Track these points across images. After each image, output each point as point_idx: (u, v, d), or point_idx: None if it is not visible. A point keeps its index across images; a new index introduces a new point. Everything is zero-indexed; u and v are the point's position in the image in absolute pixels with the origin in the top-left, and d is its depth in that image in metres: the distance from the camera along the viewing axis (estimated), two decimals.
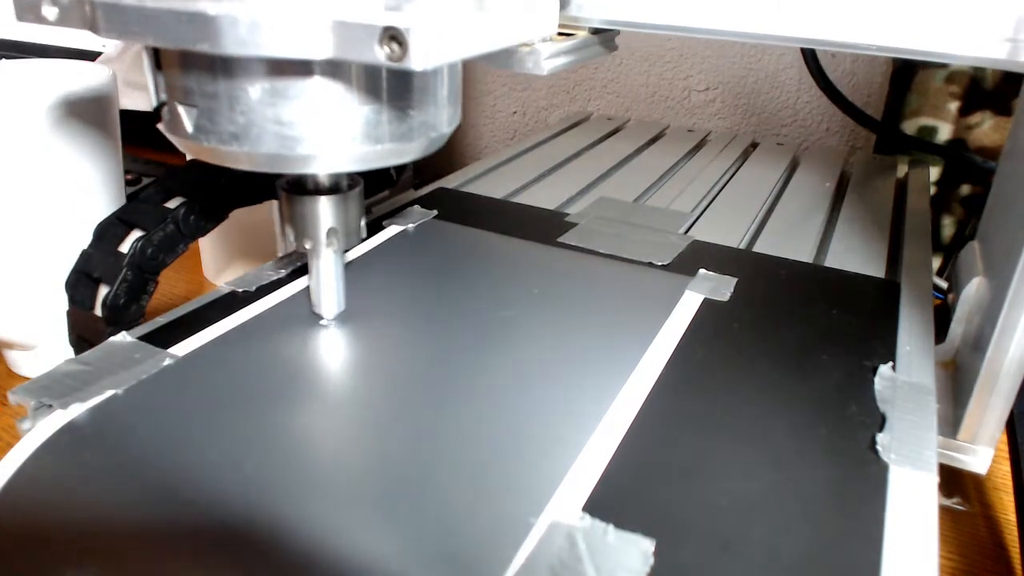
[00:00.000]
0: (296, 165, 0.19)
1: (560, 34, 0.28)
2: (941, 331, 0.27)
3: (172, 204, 0.28)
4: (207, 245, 0.45)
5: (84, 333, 0.27)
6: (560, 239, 0.31)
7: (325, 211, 0.22)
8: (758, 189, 0.40)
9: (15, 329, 0.33)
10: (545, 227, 0.32)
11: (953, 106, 0.46)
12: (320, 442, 0.19)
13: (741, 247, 0.32)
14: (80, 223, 0.31)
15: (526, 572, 0.15)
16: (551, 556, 0.15)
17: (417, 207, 0.34)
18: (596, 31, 0.29)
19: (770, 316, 0.26)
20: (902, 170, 0.44)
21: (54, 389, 0.20)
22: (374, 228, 0.31)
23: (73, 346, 0.28)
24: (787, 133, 0.59)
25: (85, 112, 0.32)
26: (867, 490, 0.18)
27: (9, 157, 0.30)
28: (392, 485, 0.17)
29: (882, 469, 0.18)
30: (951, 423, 0.26)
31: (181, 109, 0.19)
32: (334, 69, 0.18)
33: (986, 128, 0.45)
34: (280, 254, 0.29)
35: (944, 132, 0.46)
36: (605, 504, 0.17)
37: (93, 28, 0.17)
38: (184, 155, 0.20)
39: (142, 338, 0.23)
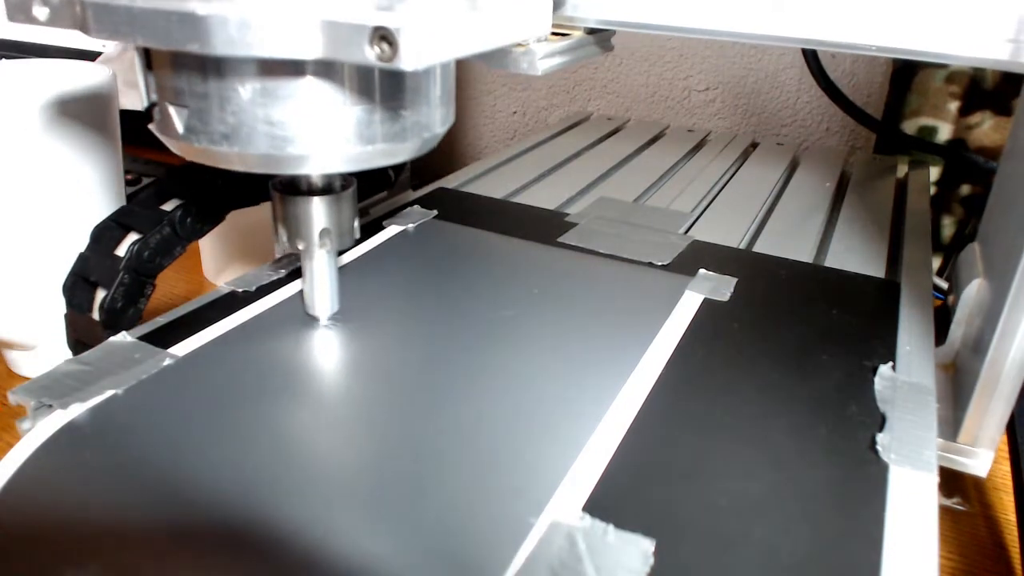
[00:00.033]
0: (288, 166, 0.19)
1: (556, 34, 0.28)
2: (941, 333, 0.27)
3: (168, 206, 0.28)
4: (207, 245, 0.45)
5: (82, 336, 0.27)
6: (560, 239, 0.31)
7: (318, 212, 0.22)
8: (758, 189, 0.40)
9: (15, 329, 0.33)
10: (545, 227, 0.32)
11: (953, 106, 0.46)
12: (320, 442, 0.19)
13: (741, 247, 0.32)
14: (80, 223, 0.31)
15: (526, 572, 0.15)
16: (551, 556, 0.15)
17: (417, 207, 0.34)
18: (592, 31, 0.29)
19: (770, 316, 0.26)
20: (902, 170, 0.44)
21: (54, 389, 0.20)
22: (374, 228, 0.31)
23: (71, 349, 0.27)
24: (787, 133, 0.59)
25: (85, 112, 0.32)
26: (867, 490, 0.18)
27: (8, 157, 0.30)
28: (392, 485, 0.17)
29: (882, 469, 0.18)
30: (951, 426, 0.26)
31: (172, 109, 0.19)
32: (325, 69, 0.18)
33: (986, 128, 0.45)
34: (278, 255, 0.29)
35: (944, 132, 0.46)
36: (605, 504, 0.17)
37: (83, 28, 0.17)
38: None
39: (142, 338, 0.23)
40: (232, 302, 0.25)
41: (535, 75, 0.25)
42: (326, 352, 0.23)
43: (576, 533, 0.16)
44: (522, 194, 0.38)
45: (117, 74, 0.34)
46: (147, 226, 0.27)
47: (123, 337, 0.22)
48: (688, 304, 0.26)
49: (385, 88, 0.19)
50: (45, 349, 0.34)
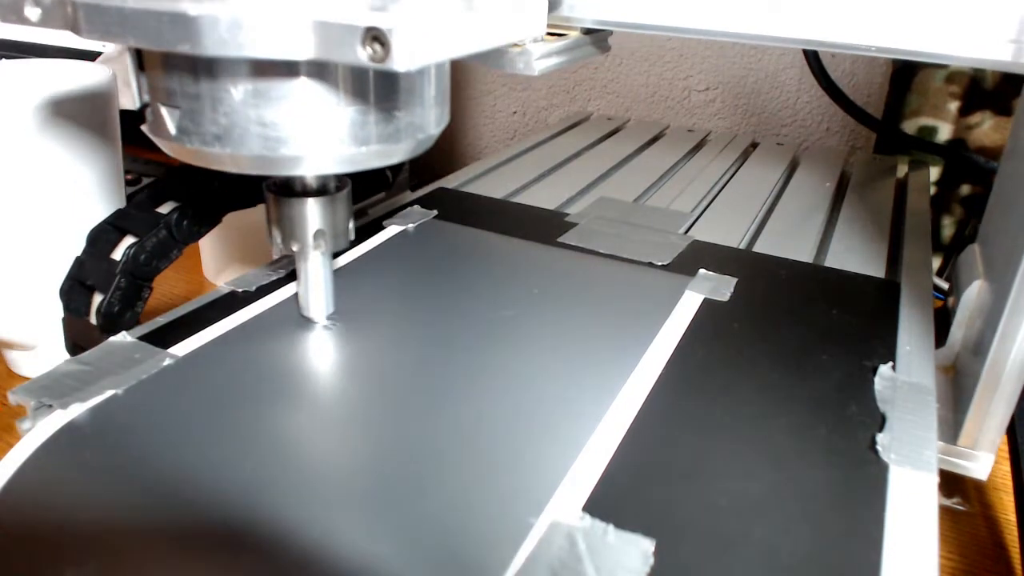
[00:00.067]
0: (281, 167, 0.19)
1: (552, 34, 0.28)
2: (941, 335, 0.27)
3: (165, 209, 0.28)
4: (207, 245, 0.45)
5: (80, 340, 0.27)
6: (560, 239, 0.31)
7: (312, 213, 0.22)
8: (758, 189, 0.40)
9: (15, 329, 0.33)
10: (545, 227, 0.32)
11: (953, 106, 0.46)
12: (320, 442, 0.19)
13: (741, 247, 0.32)
14: (81, 223, 0.31)
15: (526, 572, 0.15)
16: (551, 556, 0.15)
17: (417, 207, 0.34)
18: (588, 31, 0.28)
19: (770, 316, 0.26)
20: (902, 170, 0.44)
21: (54, 389, 0.20)
22: (374, 228, 0.31)
23: (69, 353, 0.27)
24: (787, 133, 0.59)
25: (84, 112, 0.32)
26: (867, 490, 0.18)
27: (7, 157, 0.30)
28: (392, 485, 0.17)
29: (882, 469, 0.18)
30: (951, 429, 0.25)
31: (164, 110, 0.19)
32: (318, 70, 0.18)
33: (986, 128, 0.45)
34: (275, 256, 0.29)
35: (944, 132, 0.46)
36: (605, 504, 0.17)
37: (75, 29, 0.17)
38: None
39: (142, 338, 0.23)
40: (232, 302, 0.25)
41: (531, 75, 0.25)
42: (326, 352, 0.23)
43: (576, 533, 0.16)
44: (522, 194, 0.38)
45: (117, 74, 0.34)
46: (143, 229, 0.27)
47: (123, 337, 0.22)
48: (688, 304, 0.26)
49: (379, 89, 0.19)
50: (45, 349, 0.34)
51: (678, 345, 0.23)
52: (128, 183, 0.51)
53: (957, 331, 0.27)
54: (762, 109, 0.59)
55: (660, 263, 0.29)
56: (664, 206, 0.37)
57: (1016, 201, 0.25)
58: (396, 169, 0.36)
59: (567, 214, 0.34)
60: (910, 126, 0.47)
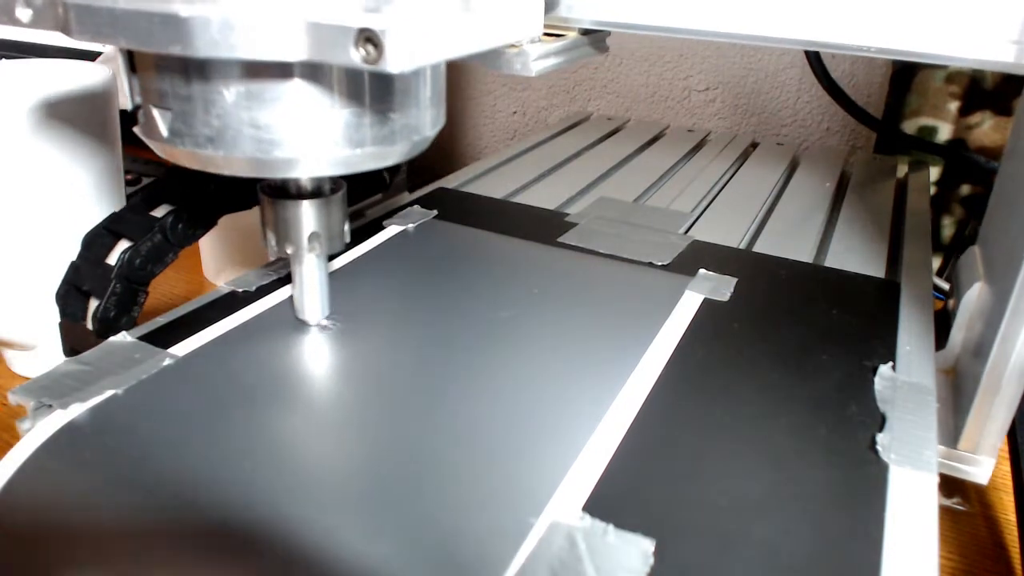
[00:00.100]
0: (274, 169, 0.18)
1: (550, 35, 0.28)
2: (941, 337, 0.27)
3: (160, 212, 0.27)
4: (207, 245, 0.44)
5: (77, 345, 0.27)
6: (560, 239, 0.31)
7: (307, 216, 0.22)
8: (758, 189, 0.40)
9: (15, 329, 0.33)
10: (545, 227, 0.32)
11: (953, 106, 0.46)
12: (319, 442, 0.19)
13: (741, 247, 0.32)
14: (79, 224, 0.30)
15: (526, 572, 0.15)
16: (551, 556, 0.15)
17: (417, 207, 0.34)
18: (586, 32, 0.28)
19: (770, 316, 0.26)
20: (902, 170, 0.44)
21: (54, 389, 0.20)
22: (374, 228, 0.31)
23: (67, 357, 0.27)
24: (787, 133, 0.59)
25: (83, 113, 0.32)
26: (867, 490, 0.18)
27: (6, 157, 0.30)
28: (392, 485, 0.17)
29: (882, 469, 0.18)
30: (951, 432, 0.25)
31: (156, 112, 0.18)
32: (312, 71, 0.17)
33: (986, 128, 0.45)
34: (271, 258, 0.28)
35: (944, 132, 0.46)
36: (605, 504, 0.17)
37: (66, 30, 0.17)
38: None
39: (142, 338, 0.23)
40: (232, 302, 0.25)
41: (528, 76, 0.25)
42: (326, 352, 0.23)
43: (576, 533, 0.16)
44: (522, 194, 0.38)
45: (117, 74, 0.34)
46: (138, 233, 0.27)
47: (123, 337, 0.22)
48: (688, 304, 0.26)
49: (374, 90, 0.18)
50: (45, 349, 0.34)
51: (678, 345, 0.23)
52: (128, 183, 0.51)
53: (957, 333, 0.27)
54: (762, 109, 0.59)
55: (660, 263, 0.29)
56: (664, 206, 0.37)
57: (1016, 203, 0.25)
58: (393, 170, 0.36)
59: (567, 214, 0.34)
60: (910, 126, 0.47)
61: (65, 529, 0.16)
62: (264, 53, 0.16)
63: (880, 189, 0.41)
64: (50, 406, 0.19)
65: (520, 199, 0.37)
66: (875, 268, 0.30)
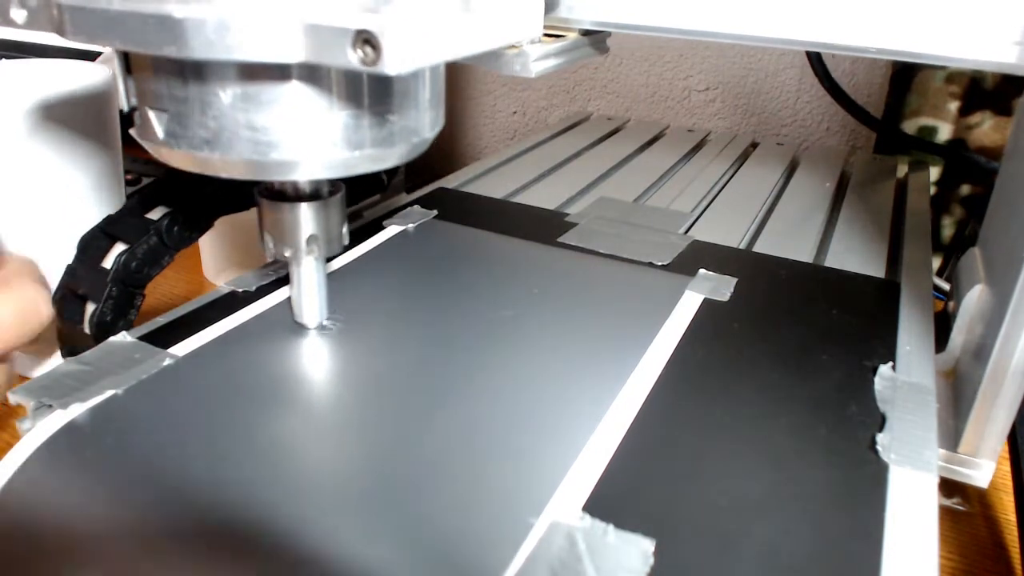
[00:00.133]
0: (272, 171, 0.18)
1: (550, 35, 0.28)
2: (941, 340, 0.27)
3: (155, 215, 0.27)
4: (207, 245, 0.44)
5: (75, 349, 0.27)
6: (560, 239, 0.31)
7: (305, 218, 0.21)
8: (758, 189, 0.40)
9: None
10: (545, 227, 0.32)
11: (953, 106, 0.46)
12: (319, 442, 0.19)
13: (741, 247, 0.32)
14: (78, 225, 0.30)
15: (526, 572, 0.15)
16: (551, 556, 0.15)
17: (417, 207, 0.34)
18: (587, 32, 0.28)
19: (770, 316, 0.26)
20: (902, 170, 0.44)
21: (54, 389, 0.20)
22: (374, 228, 0.31)
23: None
24: (787, 133, 0.59)
25: (82, 113, 0.31)
26: (867, 490, 0.18)
27: (3, 158, 0.30)
28: (392, 485, 0.17)
29: (882, 469, 0.18)
30: (952, 435, 0.25)
31: (151, 114, 0.18)
32: (309, 73, 0.17)
33: (986, 128, 0.45)
34: (268, 260, 0.28)
35: (944, 132, 0.46)
36: (605, 504, 0.17)
37: (60, 31, 0.17)
38: None
39: (142, 338, 0.23)
40: (232, 302, 0.25)
41: (528, 77, 0.25)
42: (326, 352, 0.23)
43: (576, 533, 0.16)
44: (522, 194, 0.38)
45: (115, 75, 0.34)
46: (134, 236, 0.26)
47: (123, 337, 0.22)
48: (688, 304, 0.26)
49: (372, 92, 0.18)
50: (45, 349, 0.34)
51: (678, 345, 0.23)
52: (128, 183, 0.51)
53: (957, 336, 0.27)
54: (762, 109, 0.59)
55: (660, 263, 0.29)
56: (664, 206, 0.37)
57: (1017, 204, 0.25)
58: (391, 171, 0.36)
59: (567, 214, 0.34)
60: (910, 126, 0.47)
61: (65, 529, 0.16)
62: (261, 55, 0.15)
63: (880, 189, 0.41)
64: (50, 406, 0.19)
65: (520, 199, 0.37)
66: (875, 268, 0.30)
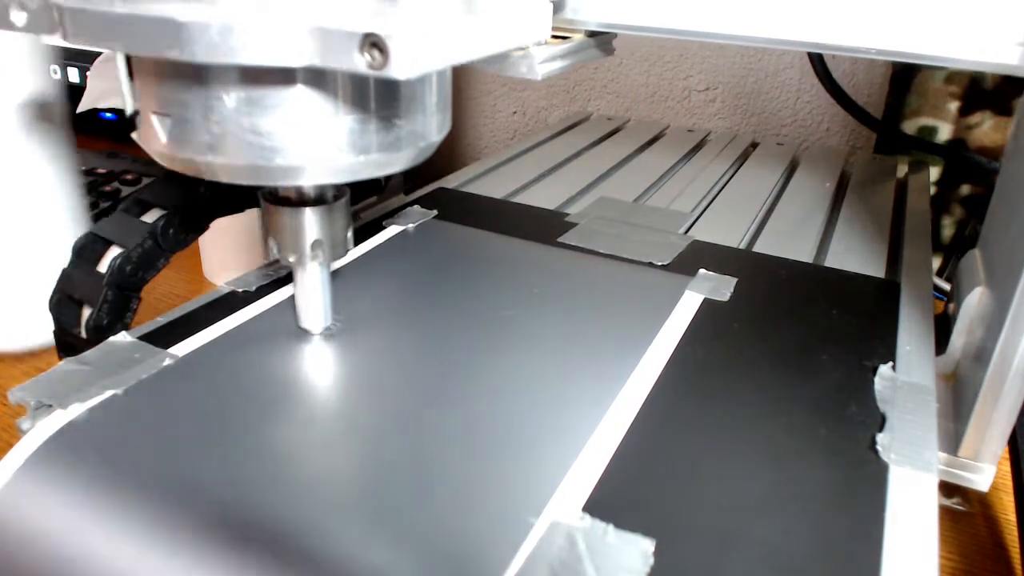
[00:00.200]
0: (276, 177, 0.18)
1: (556, 37, 0.27)
2: (941, 342, 0.27)
3: (150, 217, 0.27)
4: (207, 245, 0.44)
5: (72, 353, 0.26)
6: (560, 239, 0.31)
7: (310, 223, 0.21)
8: (758, 189, 0.40)
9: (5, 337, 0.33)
10: (545, 227, 0.32)
11: (953, 106, 0.46)
12: (320, 442, 0.19)
13: (741, 247, 0.32)
14: (42, 228, 0.30)
15: (526, 572, 0.15)
16: (551, 556, 0.15)
17: (417, 207, 0.34)
18: (592, 34, 0.28)
19: (770, 316, 0.26)
20: (902, 170, 0.44)
21: (54, 389, 0.20)
22: (374, 228, 0.31)
23: None
24: (787, 133, 0.59)
25: (30, 120, 0.31)
26: (867, 490, 0.18)
27: None
28: (392, 485, 0.17)
29: (882, 469, 0.18)
30: (952, 439, 0.25)
31: (154, 118, 0.18)
32: (315, 77, 0.17)
33: (986, 128, 0.45)
34: (265, 262, 0.28)
35: (944, 132, 0.46)
36: (605, 504, 0.17)
37: (62, 34, 0.16)
38: None
39: (142, 338, 0.23)
40: (232, 302, 0.25)
41: (535, 79, 0.25)
42: (326, 352, 0.23)
43: (576, 533, 0.16)
44: (522, 194, 0.38)
45: (110, 77, 0.34)
46: (129, 239, 0.26)
47: (123, 337, 0.22)
48: (688, 304, 0.26)
49: (379, 96, 0.18)
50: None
51: (678, 345, 0.23)
52: (128, 183, 0.51)
53: (958, 339, 0.27)
54: (762, 109, 0.59)
55: (660, 263, 0.29)
56: (664, 206, 0.37)
57: (1017, 205, 0.25)
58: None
59: (567, 214, 0.34)
60: (910, 126, 0.47)
61: (65, 529, 0.16)
62: (265, 58, 0.15)
63: (880, 189, 0.41)
64: (50, 406, 0.19)
65: (520, 199, 0.37)
66: (875, 268, 0.30)
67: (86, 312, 0.26)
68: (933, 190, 0.47)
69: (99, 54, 0.62)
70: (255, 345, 0.23)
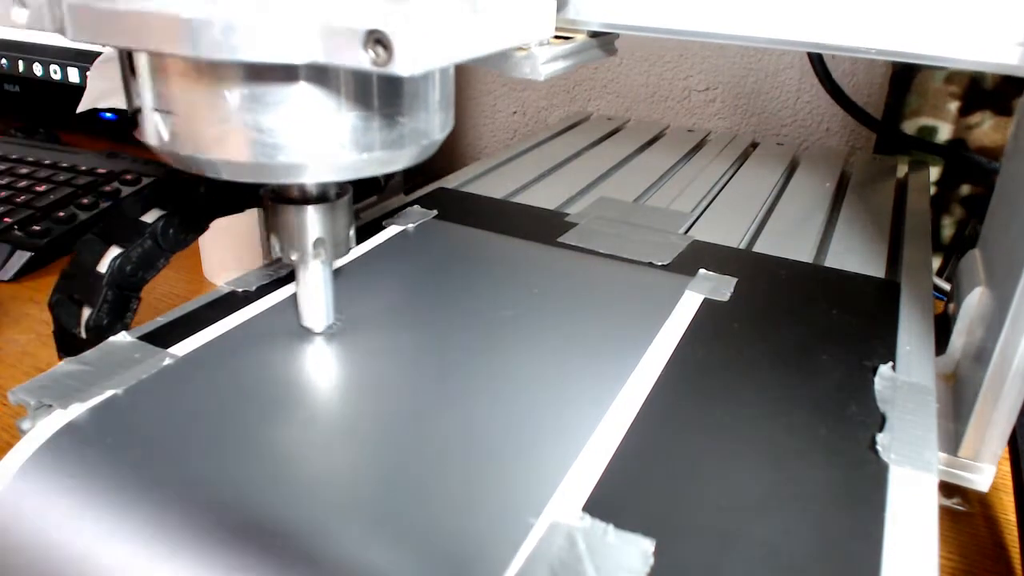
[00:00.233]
0: (279, 174, 0.18)
1: (558, 37, 0.27)
2: (941, 342, 0.27)
3: (150, 217, 0.27)
4: (207, 245, 0.44)
5: (72, 353, 0.26)
6: (560, 239, 0.31)
7: (312, 221, 0.21)
8: (758, 189, 0.40)
9: None
10: (545, 227, 0.32)
11: (953, 106, 0.46)
12: (320, 442, 0.19)
13: (741, 247, 0.32)
14: None
15: (526, 572, 0.15)
16: (551, 556, 0.15)
17: (417, 207, 0.34)
18: (595, 34, 0.28)
19: (770, 316, 0.26)
20: (902, 170, 0.44)
21: (54, 389, 0.20)
22: (374, 228, 0.31)
23: None
24: (787, 133, 0.59)
25: None
26: (867, 490, 0.18)
27: None
28: (393, 485, 0.17)
29: (882, 469, 0.18)
30: (952, 439, 0.25)
31: (156, 115, 0.18)
32: (317, 74, 0.17)
33: (986, 128, 0.45)
34: (265, 261, 0.28)
35: (944, 132, 0.46)
36: (605, 504, 0.17)
37: (63, 31, 0.16)
38: None
39: (142, 338, 0.23)
40: (232, 302, 0.25)
41: (537, 79, 0.25)
42: (326, 352, 0.23)
43: (576, 533, 0.16)
44: (522, 194, 0.38)
45: (112, 75, 0.34)
46: (128, 239, 0.26)
47: (123, 337, 0.22)
48: (688, 304, 0.26)
49: (382, 93, 0.18)
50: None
51: (678, 345, 0.23)
52: (128, 183, 0.51)
53: (958, 339, 0.27)
54: (762, 109, 0.59)
55: (660, 263, 0.29)
56: (664, 206, 0.37)
57: (1017, 205, 0.25)
58: (389, 173, 0.36)
59: (567, 214, 0.34)
60: (910, 126, 0.47)
61: (66, 529, 0.16)
62: (269, 55, 0.15)
63: (880, 189, 0.41)
64: (50, 406, 0.19)
65: (520, 199, 0.37)
66: (875, 268, 0.30)
67: (86, 312, 0.26)
68: (933, 190, 0.47)
69: (98, 54, 0.62)
70: (255, 345, 0.23)
